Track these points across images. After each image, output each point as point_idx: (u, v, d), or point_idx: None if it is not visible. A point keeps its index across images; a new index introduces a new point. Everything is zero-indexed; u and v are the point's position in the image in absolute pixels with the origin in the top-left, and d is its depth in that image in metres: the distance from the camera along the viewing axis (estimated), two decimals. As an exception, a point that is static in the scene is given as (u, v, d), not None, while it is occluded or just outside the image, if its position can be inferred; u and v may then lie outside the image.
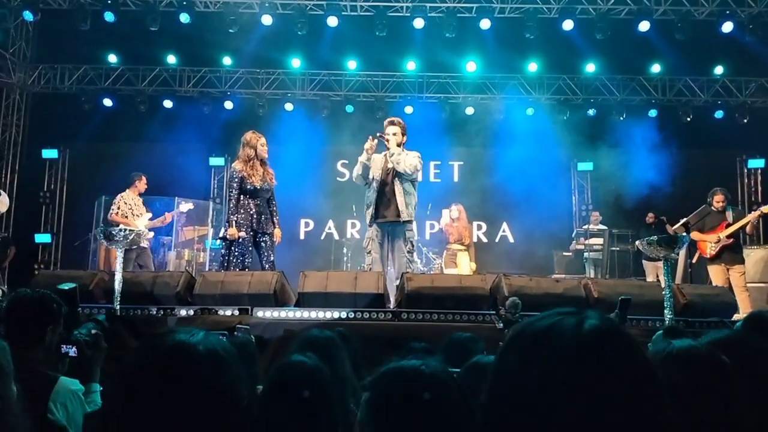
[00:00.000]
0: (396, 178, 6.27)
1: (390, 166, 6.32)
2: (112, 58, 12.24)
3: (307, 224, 13.00)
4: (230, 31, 10.93)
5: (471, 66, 12.20)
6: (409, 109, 12.75)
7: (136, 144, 12.31)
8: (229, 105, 12.62)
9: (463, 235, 10.00)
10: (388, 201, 6.29)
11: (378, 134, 6.45)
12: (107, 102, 12.44)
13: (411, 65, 12.27)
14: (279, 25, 11.21)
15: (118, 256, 4.96)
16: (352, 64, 12.26)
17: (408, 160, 6.22)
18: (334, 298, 5.13)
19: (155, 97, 12.54)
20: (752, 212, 7.73)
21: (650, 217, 10.09)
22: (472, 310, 5.28)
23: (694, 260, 8.52)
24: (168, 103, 12.58)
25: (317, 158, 12.81)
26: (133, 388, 1.07)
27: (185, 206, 9.25)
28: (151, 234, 8.47)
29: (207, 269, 10.48)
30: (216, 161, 12.77)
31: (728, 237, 7.36)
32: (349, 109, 12.61)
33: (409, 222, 6.29)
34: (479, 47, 11.76)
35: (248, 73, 12.62)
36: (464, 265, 9.62)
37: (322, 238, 12.72)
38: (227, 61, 12.32)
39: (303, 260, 11.37)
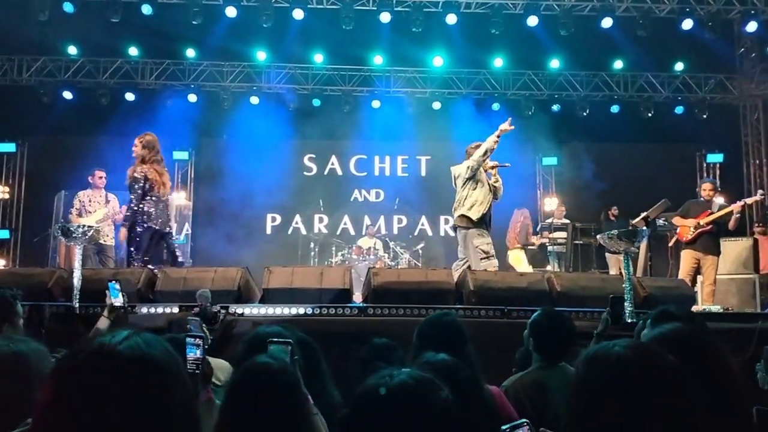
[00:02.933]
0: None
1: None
2: (72, 50, 11.94)
3: (273, 219, 12.90)
4: (194, 22, 10.75)
5: (438, 61, 12.23)
6: (376, 104, 12.75)
7: (96, 137, 11.99)
8: (193, 98, 12.45)
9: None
10: (491, 216, 6.92)
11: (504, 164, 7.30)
12: (67, 95, 12.15)
13: (378, 59, 12.25)
14: (244, 17, 11.07)
15: (77, 253, 4.84)
16: (318, 58, 12.18)
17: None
18: (300, 293, 5.10)
19: (116, 89, 12.29)
20: (735, 203, 7.76)
21: (614, 211, 10.27)
22: (438, 305, 5.29)
23: (671, 244, 8.62)
24: (130, 96, 12.34)
25: (283, 152, 12.72)
26: (57, 394, 1.02)
27: None
28: (107, 230, 8.19)
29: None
30: (180, 155, 12.58)
31: (707, 224, 7.41)
32: (316, 102, 12.55)
33: None
34: (446, 42, 11.80)
35: (212, 66, 12.45)
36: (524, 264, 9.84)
37: (289, 232, 12.64)
38: (191, 53, 12.13)
39: (269, 255, 11.28)
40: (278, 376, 1.74)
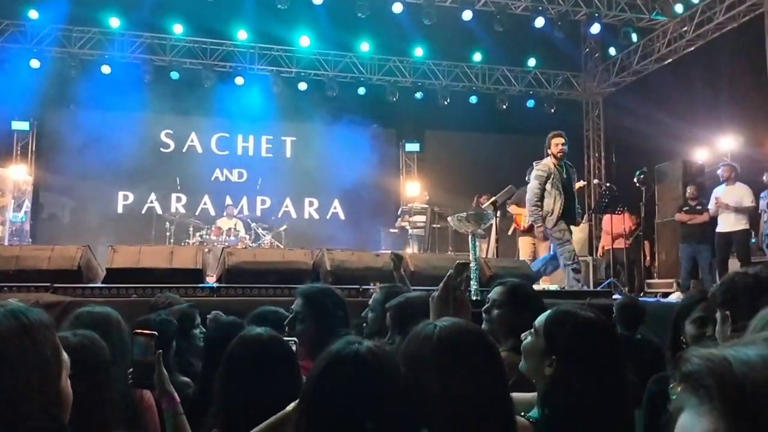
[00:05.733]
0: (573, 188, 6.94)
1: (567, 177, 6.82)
2: None
3: (125, 197, 12.18)
4: (37, -19, 9.83)
5: (304, 41, 12.12)
6: (239, 80, 12.40)
7: None
8: (35, 63, 11.39)
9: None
10: (572, 204, 6.80)
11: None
12: None
13: (242, 34, 11.90)
14: (94, -20, 10.29)
15: None
16: (177, 29, 11.61)
17: None
18: (148, 273, 4.85)
19: (-57, 49, 11.01)
20: None
21: (482, 199, 10.71)
22: (295, 285, 5.27)
23: (510, 232, 9.20)
24: (-41, 58, 11.08)
25: (138, 127, 12.01)
26: None
27: None
28: None
29: (7, 244, 9.44)
30: (19, 125, 11.55)
31: None
32: (175, 76, 11.95)
33: None
34: (313, 22, 11.70)
35: (59, 30, 11.47)
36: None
37: (143, 212, 11.99)
38: (34, 14, 11.09)
39: (120, 236, 10.64)
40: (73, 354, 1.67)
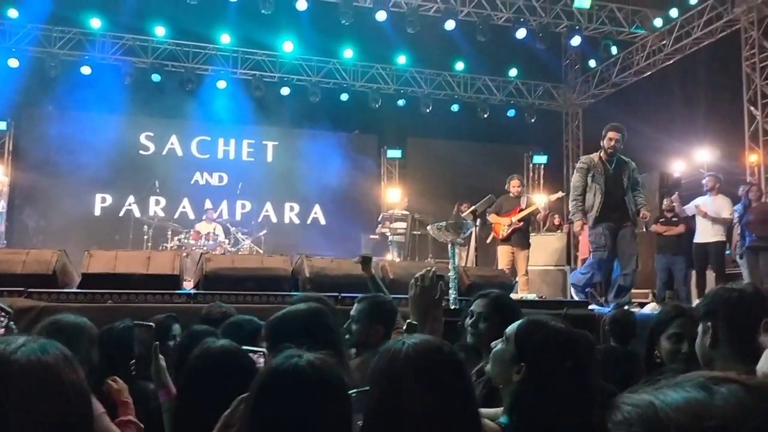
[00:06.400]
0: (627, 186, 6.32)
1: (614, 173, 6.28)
2: None
3: (103, 199, 12.05)
4: (17, -21, 9.72)
5: (288, 46, 12.11)
6: (222, 84, 12.36)
7: None
8: (14, 63, 11.23)
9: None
10: (615, 201, 6.24)
11: None
12: None
13: (225, 38, 11.86)
14: (76, -20, 10.19)
15: None
16: (160, 31, 11.53)
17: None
18: (124, 279, 4.80)
19: None
20: (544, 201, 8.56)
21: (463, 207, 10.76)
22: (273, 292, 5.25)
23: (489, 241, 9.27)
24: (-65, 55, 10.90)
25: (118, 129, 11.90)
26: None
27: None
28: None
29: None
30: (-4, 125, 11.36)
31: (519, 221, 8.07)
32: (156, 78, 11.87)
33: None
34: (296, 28, 11.72)
35: (39, 30, 11.33)
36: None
37: (121, 215, 11.86)
38: (13, 13, 10.93)
39: (97, 238, 10.54)
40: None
